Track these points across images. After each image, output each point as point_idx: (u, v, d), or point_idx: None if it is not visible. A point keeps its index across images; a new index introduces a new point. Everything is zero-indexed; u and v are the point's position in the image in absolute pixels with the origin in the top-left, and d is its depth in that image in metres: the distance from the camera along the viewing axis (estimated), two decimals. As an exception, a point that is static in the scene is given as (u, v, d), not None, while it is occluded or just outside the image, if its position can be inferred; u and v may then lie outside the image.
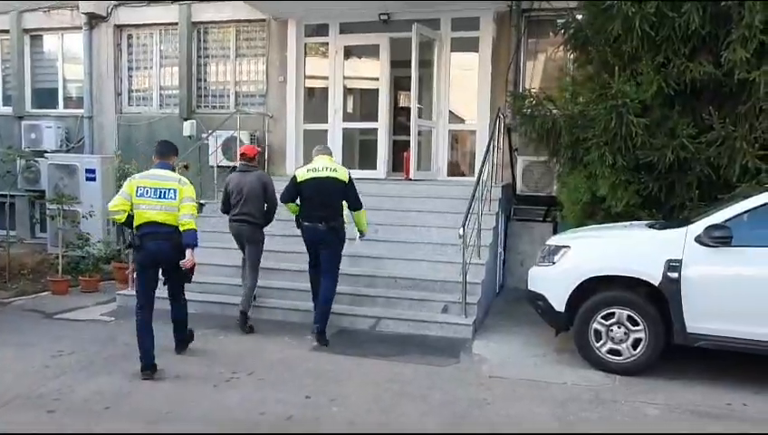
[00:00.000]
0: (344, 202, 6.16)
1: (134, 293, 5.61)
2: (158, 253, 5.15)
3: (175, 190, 5.15)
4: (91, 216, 8.86)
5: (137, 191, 5.15)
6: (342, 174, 6.08)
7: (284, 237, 7.63)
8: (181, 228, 5.12)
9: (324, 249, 6.06)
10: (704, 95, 6.39)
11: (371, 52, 9.79)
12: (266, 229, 6.69)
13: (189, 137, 9.93)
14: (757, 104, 5.92)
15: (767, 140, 5.97)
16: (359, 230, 6.43)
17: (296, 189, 6.12)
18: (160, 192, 5.14)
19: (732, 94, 6.18)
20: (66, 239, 8.62)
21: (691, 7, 6.00)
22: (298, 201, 6.19)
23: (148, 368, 5.04)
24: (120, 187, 5.63)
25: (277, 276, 7.21)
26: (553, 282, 5.52)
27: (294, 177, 6.18)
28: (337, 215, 6.08)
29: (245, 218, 6.41)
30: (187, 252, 5.15)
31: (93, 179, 9.74)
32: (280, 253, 7.48)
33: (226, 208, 6.59)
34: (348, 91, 10.48)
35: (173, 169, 5.40)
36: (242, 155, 6.78)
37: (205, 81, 10.53)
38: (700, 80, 6.16)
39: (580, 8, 7.37)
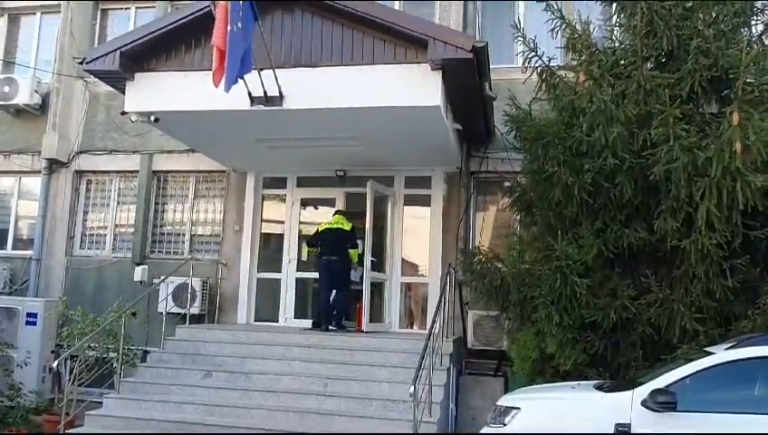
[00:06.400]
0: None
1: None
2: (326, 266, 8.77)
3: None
4: (26, 364, 8.44)
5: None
6: (347, 226, 8.85)
7: (217, 389, 7.40)
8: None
9: (336, 274, 8.72)
10: (641, 258, 6.75)
11: (328, 203, 10.12)
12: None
13: (140, 282, 9.82)
14: (690, 269, 6.24)
15: (703, 303, 6.25)
16: (352, 261, 8.95)
17: (318, 236, 8.87)
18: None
19: (666, 259, 6.55)
20: (-5, 388, 8.13)
21: (624, 179, 6.47)
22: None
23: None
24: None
25: None
26: (505, 445, 5.42)
27: (318, 228, 8.96)
28: (343, 251, 8.74)
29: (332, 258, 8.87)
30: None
31: (34, 324, 9.38)
32: (212, 405, 7.16)
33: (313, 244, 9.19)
34: (304, 239, 10.65)
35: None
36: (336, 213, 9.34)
37: (160, 226, 10.56)
38: (636, 244, 6.53)
39: (524, 173, 7.89)
